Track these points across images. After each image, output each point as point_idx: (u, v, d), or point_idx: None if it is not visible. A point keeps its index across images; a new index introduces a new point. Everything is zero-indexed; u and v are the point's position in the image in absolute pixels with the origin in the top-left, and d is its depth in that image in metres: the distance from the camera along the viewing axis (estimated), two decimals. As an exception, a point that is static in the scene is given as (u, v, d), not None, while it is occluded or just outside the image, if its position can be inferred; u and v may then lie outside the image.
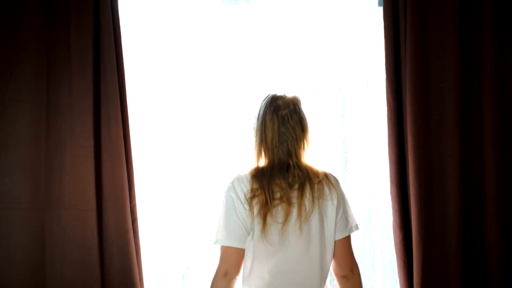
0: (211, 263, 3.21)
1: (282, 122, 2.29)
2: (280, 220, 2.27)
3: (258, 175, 2.29)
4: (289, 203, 2.27)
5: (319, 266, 2.32)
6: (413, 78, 2.71)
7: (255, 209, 2.26)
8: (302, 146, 2.32)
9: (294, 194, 2.27)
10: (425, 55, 2.76)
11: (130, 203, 2.71)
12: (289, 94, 2.36)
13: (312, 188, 2.28)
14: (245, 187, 2.29)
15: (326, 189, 2.31)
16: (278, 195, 2.26)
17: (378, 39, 3.06)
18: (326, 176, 2.34)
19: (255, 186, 2.27)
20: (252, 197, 2.27)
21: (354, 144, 3.24)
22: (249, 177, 2.30)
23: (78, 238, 2.66)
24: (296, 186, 2.27)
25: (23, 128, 2.66)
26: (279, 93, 2.36)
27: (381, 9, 2.83)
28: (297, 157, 2.30)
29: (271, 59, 3.19)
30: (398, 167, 2.79)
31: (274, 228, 2.27)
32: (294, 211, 2.28)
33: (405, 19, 2.74)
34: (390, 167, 2.80)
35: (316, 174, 2.31)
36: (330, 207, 2.32)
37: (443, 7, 2.76)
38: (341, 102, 3.24)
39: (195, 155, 3.19)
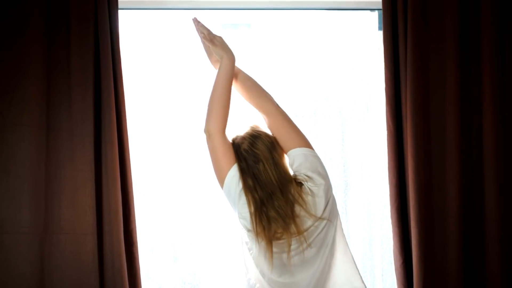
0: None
1: (249, 154, 2.34)
2: (285, 251, 2.28)
3: (257, 215, 2.30)
4: (288, 233, 2.28)
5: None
6: (413, 102, 2.71)
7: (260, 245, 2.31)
8: (278, 162, 2.35)
9: (291, 221, 2.28)
10: (425, 79, 2.77)
11: (129, 226, 2.71)
12: (243, 130, 2.43)
13: (296, 225, 2.30)
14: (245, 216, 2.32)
15: (314, 203, 2.32)
16: (279, 230, 2.28)
17: (379, 63, 3.08)
18: (301, 185, 2.35)
19: (258, 229, 2.29)
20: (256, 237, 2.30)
21: (355, 167, 3.24)
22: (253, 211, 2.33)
23: (78, 262, 2.65)
24: (289, 213, 2.28)
25: (23, 152, 2.66)
26: (234, 136, 2.43)
27: (381, 33, 2.84)
28: (277, 180, 2.31)
29: (271, 83, 3.20)
30: (398, 190, 2.78)
31: (278, 259, 2.29)
32: (295, 241, 2.29)
33: (405, 43, 2.75)
34: (390, 191, 2.79)
35: (294, 185, 2.34)
36: (322, 195, 2.34)
37: (443, 32, 2.77)
38: (341, 125, 3.25)
39: (198, 178, 3.19)
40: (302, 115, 3.21)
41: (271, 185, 2.30)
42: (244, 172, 2.34)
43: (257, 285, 2.34)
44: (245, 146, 2.36)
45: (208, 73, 3.13)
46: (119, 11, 2.74)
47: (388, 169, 2.79)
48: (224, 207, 2.98)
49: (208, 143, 2.38)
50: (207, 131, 2.38)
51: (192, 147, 3.17)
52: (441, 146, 2.76)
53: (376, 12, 3.09)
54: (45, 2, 2.67)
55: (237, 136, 2.42)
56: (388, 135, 2.79)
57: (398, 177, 2.78)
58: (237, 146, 2.38)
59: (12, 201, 2.65)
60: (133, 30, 3.10)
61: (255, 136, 2.38)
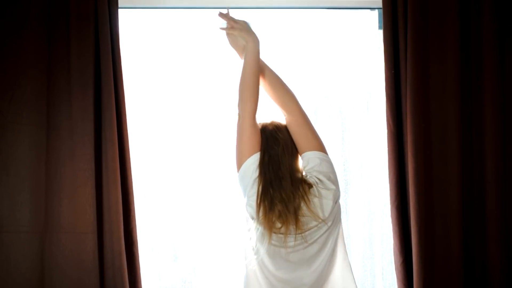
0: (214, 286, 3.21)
1: (272, 136, 2.41)
2: (283, 245, 2.29)
3: (262, 194, 2.32)
4: (287, 225, 2.30)
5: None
6: (413, 100, 2.71)
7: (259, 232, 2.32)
8: (295, 154, 2.42)
9: (293, 216, 2.29)
10: (425, 78, 2.76)
11: (130, 225, 2.70)
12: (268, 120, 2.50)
13: (300, 222, 2.31)
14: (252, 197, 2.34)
15: (321, 205, 2.34)
16: (280, 219, 2.30)
17: (379, 62, 3.08)
18: (310, 186, 2.36)
19: (260, 210, 2.30)
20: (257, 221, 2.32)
21: (355, 166, 3.24)
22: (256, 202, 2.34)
23: (78, 261, 2.65)
24: (294, 206, 2.30)
25: (23, 151, 2.66)
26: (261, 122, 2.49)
27: (381, 32, 2.84)
28: (290, 168, 2.37)
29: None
30: (399, 189, 2.78)
31: (277, 253, 2.30)
32: (294, 237, 2.31)
33: (405, 42, 2.75)
34: (390, 190, 2.79)
35: (305, 183, 2.35)
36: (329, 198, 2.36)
37: (443, 30, 2.77)
38: (341, 124, 3.25)
39: (198, 177, 3.19)
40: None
41: (284, 169, 2.35)
42: (263, 150, 2.39)
43: (253, 278, 2.35)
44: (270, 127, 2.44)
45: (208, 71, 3.15)
46: (119, 10, 2.74)
47: (388, 168, 2.79)
48: (224, 206, 2.98)
49: (237, 124, 2.42)
50: (239, 113, 2.41)
51: (193, 146, 3.18)
52: (441, 144, 2.76)
53: (376, 11, 3.09)
54: (45, 1, 2.68)
55: (264, 122, 2.48)
56: (388, 134, 2.79)
57: (398, 176, 2.78)
58: (263, 127, 2.44)
59: (12, 199, 2.65)
60: (133, 29, 3.10)
61: (280, 124, 2.46)
